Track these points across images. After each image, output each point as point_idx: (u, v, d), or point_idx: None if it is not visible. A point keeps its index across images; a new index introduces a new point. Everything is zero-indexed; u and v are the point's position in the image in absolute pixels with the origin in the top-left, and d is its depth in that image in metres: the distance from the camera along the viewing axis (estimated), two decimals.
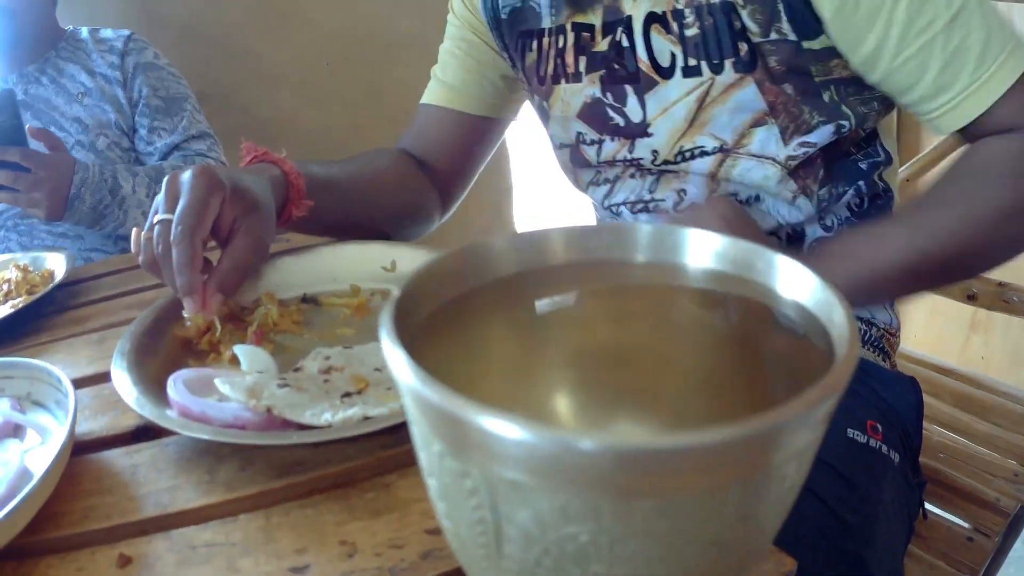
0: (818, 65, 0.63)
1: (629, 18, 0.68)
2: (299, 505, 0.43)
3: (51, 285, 0.78)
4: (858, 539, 0.61)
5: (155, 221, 0.56)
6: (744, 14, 0.62)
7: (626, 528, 0.19)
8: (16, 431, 0.51)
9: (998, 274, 0.87)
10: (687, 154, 0.68)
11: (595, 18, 0.70)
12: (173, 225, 0.54)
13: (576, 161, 0.78)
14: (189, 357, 0.58)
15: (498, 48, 0.81)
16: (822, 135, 0.64)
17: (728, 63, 0.64)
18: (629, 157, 0.72)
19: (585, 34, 0.71)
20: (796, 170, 0.66)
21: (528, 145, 1.87)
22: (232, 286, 0.57)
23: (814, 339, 0.24)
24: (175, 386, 0.49)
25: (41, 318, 0.76)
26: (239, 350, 0.54)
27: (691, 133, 0.68)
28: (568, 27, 0.72)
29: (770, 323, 0.27)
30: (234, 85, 1.62)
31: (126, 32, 1.27)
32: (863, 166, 0.69)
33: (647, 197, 0.74)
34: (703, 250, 0.28)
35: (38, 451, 0.49)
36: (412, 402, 0.21)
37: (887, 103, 0.67)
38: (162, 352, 0.57)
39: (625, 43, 0.68)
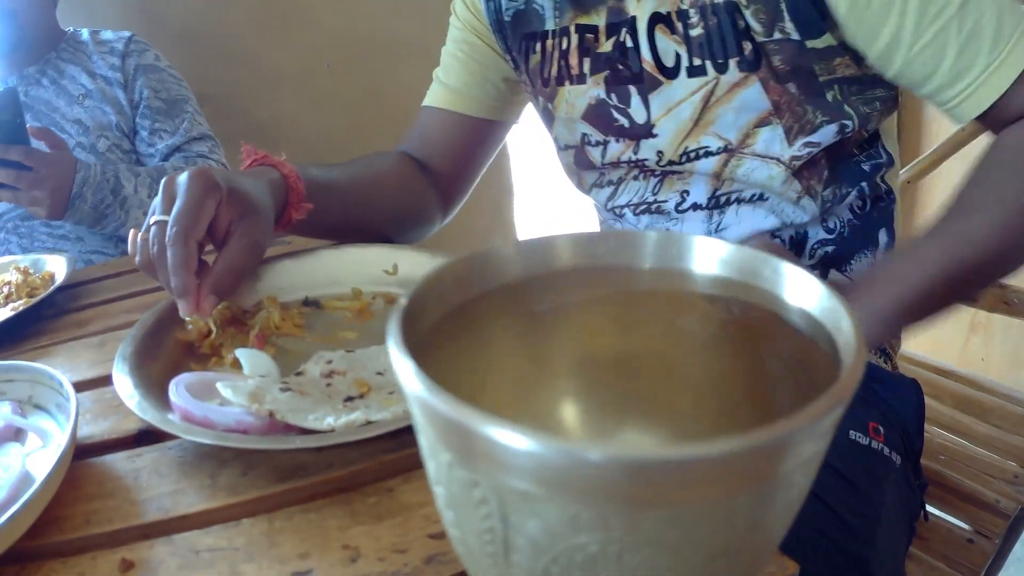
0: (821, 64, 0.63)
1: (633, 19, 0.68)
2: (302, 510, 0.43)
3: (52, 288, 0.78)
4: (860, 541, 0.61)
5: (151, 222, 0.56)
6: (748, 14, 0.62)
7: (635, 538, 0.19)
8: (17, 435, 0.51)
9: None
10: (692, 154, 0.69)
11: (599, 19, 0.70)
12: (168, 226, 0.55)
13: (580, 163, 0.78)
14: (191, 360, 0.58)
15: (501, 50, 0.81)
16: (826, 135, 0.64)
17: (733, 62, 0.64)
18: (634, 158, 0.72)
19: (589, 35, 0.71)
20: (800, 171, 0.67)
21: (528, 147, 1.87)
22: (227, 288, 0.57)
23: (820, 346, 0.24)
24: (177, 390, 0.49)
25: (42, 321, 0.76)
26: (241, 354, 0.54)
27: (696, 133, 0.68)
28: (572, 29, 0.72)
29: (776, 330, 0.27)
30: (234, 87, 1.62)
31: (127, 34, 1.27)
32: (866, 167, 0.69)
33: (650, 199, 0.74)
34: (709, 257, 0.28)
35: (39, 455, 0.49)
36: (420, 412, 0.21)
37: (889, 103, 0.67)
38: (163, 356, 0.57)
39: (629, 44, 0.68)
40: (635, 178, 0.75)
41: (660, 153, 0.70)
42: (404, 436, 0.46)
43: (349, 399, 0.48)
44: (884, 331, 0.62)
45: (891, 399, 0.71)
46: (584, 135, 0.75)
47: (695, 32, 0.65)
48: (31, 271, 0.84)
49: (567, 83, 0.74)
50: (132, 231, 0.59)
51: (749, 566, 0.23)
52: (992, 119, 0.59)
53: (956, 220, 0.59)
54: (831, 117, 0.64)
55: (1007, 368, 1.61)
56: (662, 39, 0.67)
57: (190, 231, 0.54)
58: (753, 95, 0.64)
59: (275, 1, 1.61)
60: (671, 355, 0.29)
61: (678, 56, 0.66)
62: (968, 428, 0.98)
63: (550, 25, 0.74)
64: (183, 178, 0.56)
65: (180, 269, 0.54)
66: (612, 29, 0.69)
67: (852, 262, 0.72)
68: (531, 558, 0.20)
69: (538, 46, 0.76)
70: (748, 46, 0.63)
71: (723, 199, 0.71)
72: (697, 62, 0.65)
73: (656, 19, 0.66)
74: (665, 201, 0.73)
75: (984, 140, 0.89)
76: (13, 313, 0.73)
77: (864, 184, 0.69)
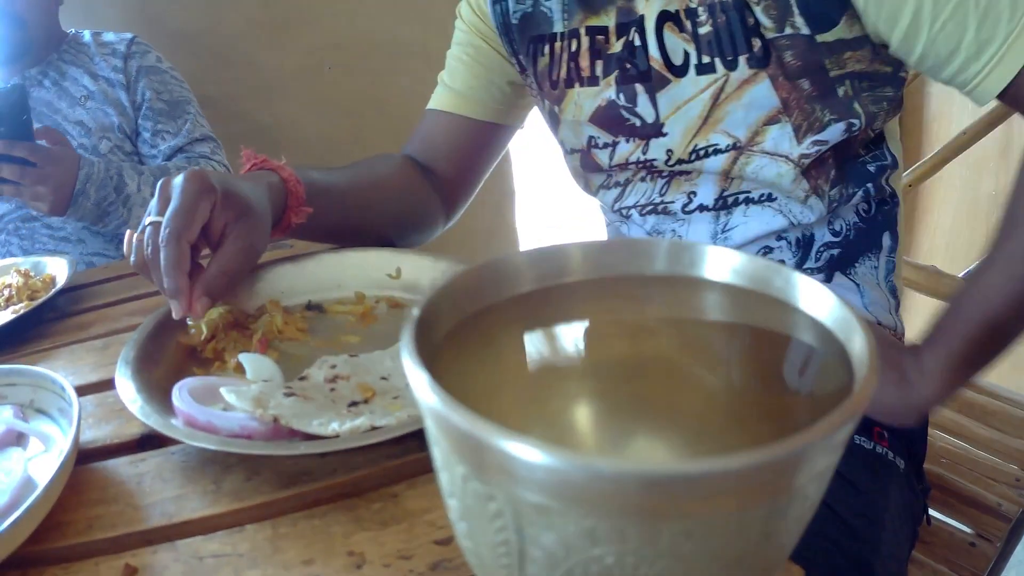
0: (832, 58, 0.63)
1: (642, 18, 0.68)
2: (306, 515, 0.43)
3: (53, 291, 0.78)
4: (864, 544, 0.61)
5: (146, 223, 0.57)
6: (758, 10, 0.62)
7: (652, 550, 0.19)
8: (19, 439, 0.51)
9: None
10: (701, 152, 0.68)
11: (608, 20, 0.70)
12: (162, 227, 0.55)
13: (587, 166, 0.78)
14: (193, 365, 0.57)
15: (507, 54, 0.81)
16: (833, 133, 0.64)
17: (742, 59, 0.64)
18: (643, 158, 0.72)
19: (599, 37, 0.71)
20: (809, 170, 0.66)
21: (530, 150, 1.88)
22: (220, 290, 0.57)
23: (830, 354, 0.24)
24: (180, 395, 0.48)
25: (43, 324, 0.75)
26: (244, 358, 0.54)
27: (705, 131, 0.68)
28: (582, 31, 0.72)
29: (786, 338, 0.26)
30: (234, 90, 1.62)
31: (129, 35, 1.26)
32: (871, 168, 0.69)
33: (657, 200, 0.74)
34: (720, 266, 0.27)
35: (41, 459, 0.49)
36: (435, 424, 0.21)
37: (895, 104, 0.67)
38: (166, 360, 0.57)
39: (637, 42, 0.68)
40: (642, 179, 0.75)
41: (670, 152, 0.70)
42: (409, 441, 0.46)
43: (353, 404, 0.48)
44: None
45: None
46: (591, 138, 0.75)
47: (703, 30, 0.65)
48: (32, 274, 0.83)
49: (576, 85, 0.74)
50: (128, 232, 0.59)
51: (761, 574, 0.23)
52: (1018, 96, 0.57)
53: (1013, 232, 0.56)
54: (839, 115, 0.64)
55: (1008, 371, 1.61)
56: (671, 37, 0.67)
57: (183, 232, 0.55)
58: (762, 92, 0.64)
59: (276, 4, 1.61)
60: (682, 364, 0.29)
61: (687, 54, 0.66)
62: (970, 431, 0.99)
63: (558, 27, 0.74)
64: (178, 180, 0.57)
65: (172, 270, 0.54)
66: (622, 29, 0.69)
67: (856, 265, 0.72)
68: (546, 570, 0.20)
69: (546, 48, 0.76)
70: (757, 43, 0.63)
71: (730, 200, 0.71)
72: (706, 60, 0.65)
73: (664, 17, 0.66)
74: (672, 202, 0.73)
75: (989, 143, 0.89)
76: (14, 316, 0.72)
77: (870, 185, 0.69)
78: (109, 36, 1.26)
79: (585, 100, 0.74)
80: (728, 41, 0.64)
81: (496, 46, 0.82)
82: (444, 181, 0.87)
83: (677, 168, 0.71)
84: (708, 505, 0.18)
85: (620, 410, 0.28)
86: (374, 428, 0.45)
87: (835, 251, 0.71)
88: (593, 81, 0.72)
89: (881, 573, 0.60)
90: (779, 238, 0.71)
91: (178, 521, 0.43)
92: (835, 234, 0.71)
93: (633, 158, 0.73)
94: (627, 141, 0.72)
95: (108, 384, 0.55)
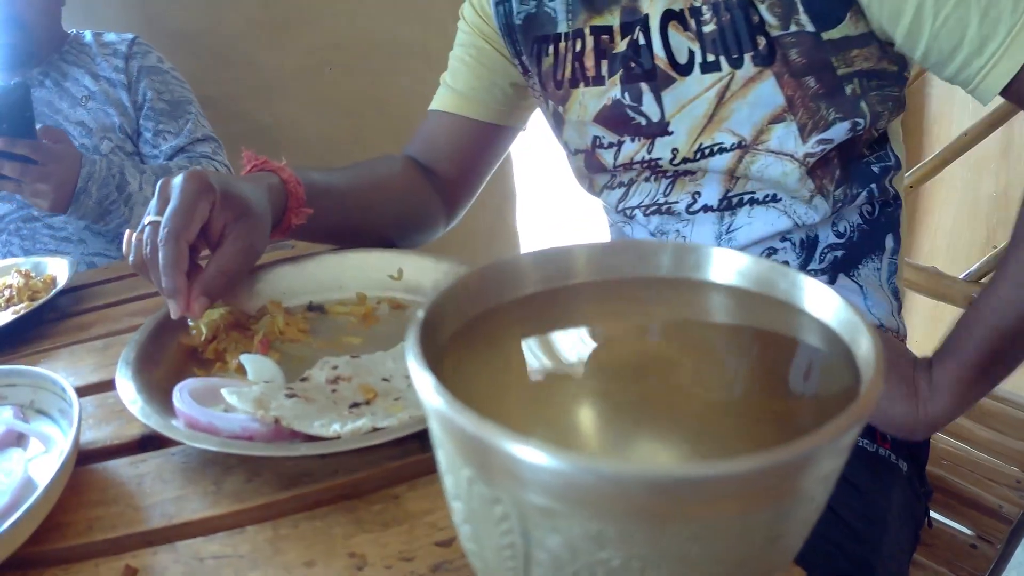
0: (838, 56, 0.62)
1: (646, 17, 0.68)
2: (307, 517, 0.43)
3: (53, 291, 0.78)
4: (866, 547, 0.61)
5: (146, 223, 0.57)
6: (763, 8, 0.62)
7: (658, 553, 0.19)
8: (19, 440, 0.51)
9: None
10: (706, 151, 0.68)
11: (613, 19, 0.70)
12: (160, 227, 0.55)
13: (591, 166, 0.78)
14: (194, 366, 0.57)
15: (509, 55, 0.81)
16: (838, 132, 0.64)
17: (747, 57, 0.64)
18: (648, 157, 0.72)
19: (604, 37, 0.71)
20: (814, 169, 0.66)
21: (531, 151, 1.87)
22: (218, 290, 0.57)
23: (836, 357, 0.24)
24: (181, 396, 0.48)
25: (44, 324, 0.75)
26: (245, 359, 0.54)
27: (710, 129, 0.68)
28: (586, 31, 0.72)
29: (791, 340, 0.26)
30: (235, 92, 1.62)
31: (130, 36, 1.27)
32: (875, 169, 0.69)
33: (661, 200, 0.74)
34: (726, 268, 0.27)
35: (41, 460, 0.49)
36: (440, 427, 0.21)
37: (899, 103, 0.66)
38: (167, 360, 0.57)
39: (642, 41, 0.68)
40: (646, 180, 0.75)
41: (675, 151, 0.70)
42: (410, 443, 0.46)
43: (355, 405, 0.48)
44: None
45: None
46: (596, 138, 0.75)
47: (708, 28, 0.65)
48: (32, 274, 0.83)
49: (581, 85, 0.74)
50: (127, 232, 0.59)
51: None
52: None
53: (1013, 255, 0.56)
54: (845, 114, 0.64)
55: None
56: (675, 36, 0.67)
57: (181, 231, 0.55)
58: (767, 90, 0.64)
59: (276, 4, 1.61)
60: (686, 366, 0.29)
61: (691, 53, 0.66)
62: (971, 433, 0.98)
63: (563, 28, 0.74)
64: (178, 180, 0.57)
65: (171, 269, 0.54)
66: (626, 28, 0.69)
67: (860, 267, 0.72)
68: (552, 573, 0.20)
69: (551, 49, 0.76)
70: (762, 41, 0.63)
71: (735, 200, 0.71)
72: (711, 58, 0.65)
73: (669, 16, 0.66)
74: (676, 202, 0.73)
75: (990, 144, 0.89)
76: (15, 317, 0.72)
77: (874, 186, 0.69)
78: (110, 36, 1.26)
79: (590, 100, 0.73)
80: (733, 39, 0.64)
81: (499, 47, 0.82)
82: (446, 182, 0.87)
83: (682, 167, 0.71)
84: (714, 508, 0.18)
85: (624, 413, 0.28)
86: (375, 429, 0.45)
87: (839, 253, 0.71)
88: (599, 81, 0.72)
89: (882, 575, 0.60)
90: (783, 239, 0.71)
91: (178, 522, 0.43)
92: (839, 235, 0.71)
93: (638, 157, 0.73)
94: (632, 140, 0.72)
95: (109, 385, 0.55)
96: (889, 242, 0.72)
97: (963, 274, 0.99)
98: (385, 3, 1.66)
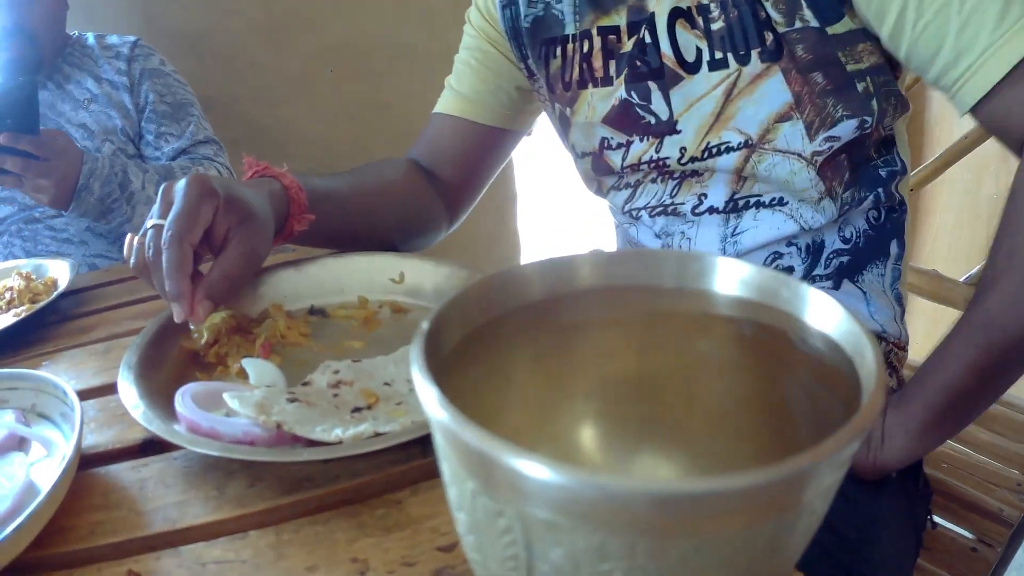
0: (845, 51, 0.62)
1: (653, 15, 0.68)
2: (309, 522, 0.43)
3: (55, 294, 0.78)
4: (858, 555, 0.61)
5: (148, 226, 0.56)
6: (768, 5, 0.62)
7: (661, 565, 0.19)
8: (21, 444, 0.51)
9: None
10: (713, 150, 0.68)
11: (620, 19, 0.71)
12: (164, 230, 0.55)
13: (598, 169, 0.78)
14: (196, 369, 0.57)
15: (515, 59, 0.81)
16: (846, 129, 0.64)
17: (755, 53, 0.64)
18: (656, 157, 0.72)
19: (611, 37, 0.71)
20: (824, 170, 0.66)
21: (533, 153, 1.88)
22: (222, 294, 0.57)
23: (839, 369, 0.24)
24: (183, 401, 0.48)
25: (45, 327, 0.75)
26: (247, 364, 0.54)
27: (717, 128, 0.68)
28: (594, 32, 0.72)
29: (795, 352, 0.26)
30: (236, 94, 1.62)
31: (132, 38, 1.27)
32: (882, 173, 0.69)
33: (667, 201, 0.74)
34: (729, 278, 0.27)
35: (43, 464, 0.49)
36: (444, 440, 0.21)
37: (901, 99, 0.66)
38: (168, 364, 0.57)
39: (648, 40, 0.68)
40: (653, 181, 0.75)
41: (683, 150, 0.70)
42: (412, 448, 0.46)
43: (356, 410, 0.48)
44: (916, 444, 0.59)
45: None
46: (604, 139, 0.75)
47: (716, 26, 0.65)
48: (33, 276, 0.83)
49: (590, 86, 0.74)
50: (129, 235, 0.59)
51: None
52: (1000, 118, 0.57)
53: (979, 298, 0.56)
54: (853, 111, 0.64)
55: None
56: (683, 34, 0.67)
57: (185, 234, 0.54)
58: (774, 86, 0.64)
59: (277, 7, 1.61)
60: (690, 376, 0.29)
61: (699, 51, 0.66)
62: (971, 436, 0.98)
63: (570, 29, 0.75)
64: (181, 184, 0.57)
65: (174, 272, 0.54)
66: (633, 28, 0.69)
67: (864, 272, 0.72)
68: None
69: (558, 51, 0.76)
70: (770, 36, 0.63)
71: (741, 203, 0.71)
72: (719, 55, 0.65)
73: (676, 14, 0.67)
74: (682, 203, 0.73)
75: (990, 147, 0.89)
76: (16, 319, 0.72)
77: (880, 190, 0.69)
78: (112, 39, 1.26)
79: (599, 101, 0.74)
80: (740, 36, 0.64)
81: (504, 51, 0.82)
82: (448, 185, 0.87)
83: (690, 167, 0.71)
84: (717, 522, 0.18)
85: (628, 424, 0.28)
86: (377, 434, 0.45)
87: (844, 258, 0.71)
88: (607, 81, 0.73)
89: None
90: (789, 244, 0.71)
91: (181, 527, 0.43)
92: (845, 241, 0.71)
93: (646, 157, 0.73)
94: (641, 140, 0.72)
95: (110, 389, 0.55)
96: (894, 248, 0.72)
97: (964, 277, 0.99)
98: (387, 6, 1.67)
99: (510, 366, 0.28)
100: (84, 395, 0.56)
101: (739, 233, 0.72)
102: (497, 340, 0.27)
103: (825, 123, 0.64)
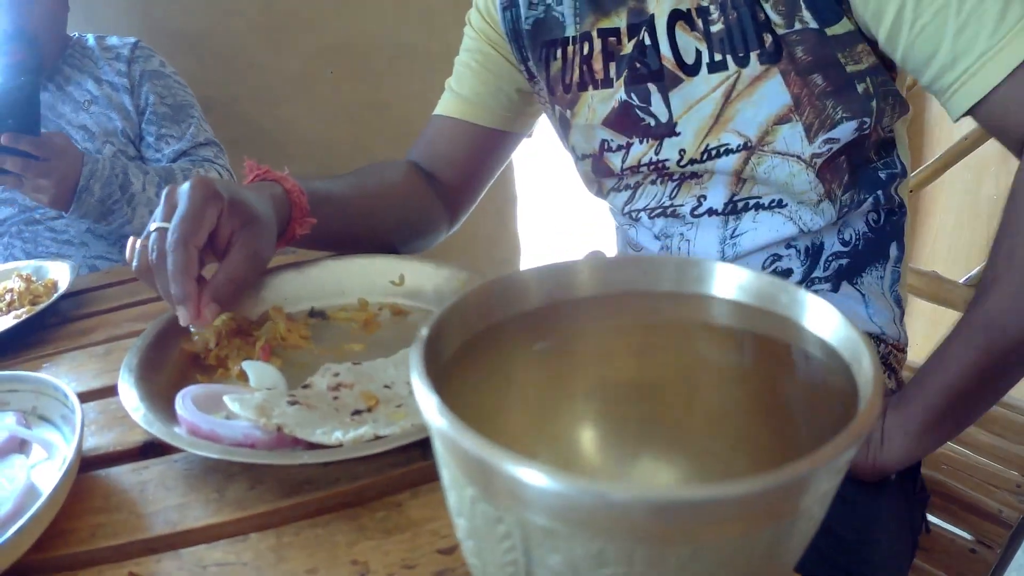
0: (845, 52, 0.62)
1: (652, 17, 0.68)
2: (310, 524, 0.43)
3: (55, 296, 0.78)
4: (855, 557, 0.61)
5: (151, 229, 0.56)
6: (767, 7, 0.62)
7: (659, 571, 0.19)
8: (22, 446, 0.51)
9: None
10: (712, 152, 0.69)
11: (620, 21, 0.71)
12: (169, 233, 0.54)
13: (598, 171, 0.78)
14: (196, 372, 0.57)
15: (516, 61, 0.82)
16: (845, 131, 0.64)
17: (754, 55, 0.64)
18: (655, 159, 0.72)
19: (612, 39, 0.71)
20: (824, 173, 0.66)
21: (533, 154, 1.88)
22: (228, 297, 0.57)
23: (837, 374, 0.24)
24: (184, 403, 0.48)
25: (45, 329, 0.75)
26: (247, 366, 0.54)
27: (716, 130, 0.68)
28: (594, 34, 0.73)
29: (791, 357, 0.27)
30: (236, 94, 1.62)
31: (132, 40, 1.27)
32: (882, 175, 0.69)
33: (667, 203, 0.74)
34: (727, 283, 0.28)
35: (44, 467, 0.49)
36: (443, 447, 0.21)
37: (900, 99, 0.66)
38: (169, 366, 0.57)
39: (648, 42, 0.68)
40: (652, 183, 0.75)
41: (682, 152, 0.70)
42: (412, 450, 0.46)
43: (357, 412, 0.48)
44: (915, 446, 0.59)
45: None
46: (604, 141, 0.75)
47: (715, 27, 0.65)
48: (33, 278, 0.83)
49: (590, 88, 0.74)
50: (131, 238, 0.59)
51: None
52: (998, 119, 0.57)
53: (979, 299, 0.56)
54: (853, 113, 0.64)
55: None
56: (682, 36, 0.67)
57: (191, 237, 0.54)
58: (773, 88, 0.64)
59: (277, 8, 1.61)
60: (689, 381, 0.29)
61: (698, 52, 0.66)
62: (970, 437, 0.98)
63: (570, 31, 0.75)
64: (184, 187, 0.56)
65: (180, 275, 0.54)
66: (633, 30, 0.70)
67: (863, 275, 0.72)
68: None
69: (559, 53, 0.76)
70: (769, 38, 0.63)
71: (740, 205, 0.71)
72: (718, 57, 0.65)
73: (676, 16, 0.67)
74: (681, 205, 0.73)
75: (990, 147, 0.89)
76: (16, 321, 0.73)
77: (880, 193, 0.69)
78: (113, 40, 1.27)
79: (599, 103, 0.74)
80: (740, 37, 0.64)
81: (505, 53, 0.82)
82: (448, 187, 0.87)
83: (689, 169, 0.71)
84: (715, 529, 0.18)
85: (627, 429, 0.28)
86: (377, 437, 0.45)
87: (843, 261, 0.71)
88: (607, 83, 0.73)
89: None
90: (788, 246, 0.71)
91: (181, 529, 0.43)
92: (844, 243, 0.71)
93: (646, 159, 0.73)
94: (641, 142, 0.73)
95: (111, 391, 0.55)
96: (893, 250, 0.72)
97: (964, 278, 0.99)
98: (387, 6, 1.67)
99: (510, 371, 0.28)
100: (85, 397, 0.56)
101: (738, 235, 0.72)
102: (497, 345, 0.27)
103: (824, 125, 0.64)
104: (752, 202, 0.70)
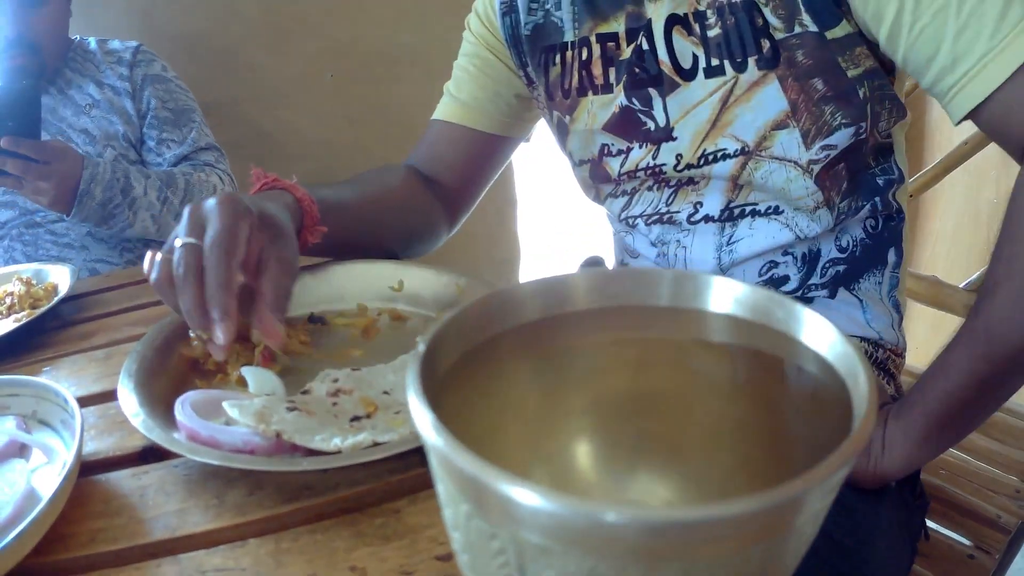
0: (844, 55, 0.62)
1: (650, 22, 0.68)
2: (309, 530, 0.43)
3: (55, 299, 0.78)
4: (854, 563, 0.61)
5: (178, 244, 0.53)
6: (767, 11, 0.62)
7: None
8: (22, 451, 0.51)
9: None
10: (709, 157, 0.68)
11: (618, 26, 0.71)
12: (207, 249, 0.51)
13: (596, 176, 0.78)
14: (195, 377, 0.58)
15: (515, 66, 0.82)
16: (842, 137, 0.64)
17: (751, 60, 0.64)
18: (652, 163, 0.72)
19: (610, 44, 0.71)
20: (823, 179, 0.66)
21: (533, 156, 1.88)
22: (284, 311, 0.55)
23: (830, 390, 0.24)
24: (183, 409, 0.49)
25: (45, 333, 0.75)
26: (247, 372, 0.54)
27: (713, 135, 0.68)
28: (593, 39, 0.73)
29: (787, 372, 0.27)
30: (236, 98, 1.62)
31: (134, 43, 1.27)
32: (880, 182, 0.69)
33: (663, 209, 0.75)
34: (724, 297, 0.28)
35: (44, 471, 0.49)
36: (439, 464, 0.21)
37: (898, 102, 0.66)
38: (168, 372, 0.57)
39: (646, 47, 0.68)
40: (649, 188, 0.75)
41: (679, 156, 0.70)
42: (411, 457, 0.46)
43: (355, 419, 0.48)
44: (916, 453, 0.60)
45: None
46: (604, 145, 0.75)
47: (712, 32, 0.65)
48: (34, 282, 0.83)
49: (590, 93, 0.74)
50: (149, 252, 0.57)
51: None
52: (999, 122, 0.56)
53: (980, 306, 0.56)
54: (851, 119, 0.64)
55: None
56: (679, 41, 0.67)
57: (232, 253, 0.51)
58: (771, 94, 0.64)
59: (277, 12, 1.61)
60: (684, 396, 0.29)
61: (695, 57, 0.66)
62: (969, 442, 0.98)
63: (569, 37, 0.75)
64: (211, 203, 0.54)
65: (223, 292, 0.50)
66: (631, 35, 0.70)
67: (861, 280, 0.72)
68: None
69: (558, 58, 0.76)
70: (766, 44, 0.63)
71: (736, 211, 0.71)
72: (715, 62, 0.65)
73: (673, 21, 0.67)
74: (678, 212, 0.73)
75: (991, 151, 0.89)
76: (16, 325, 0.73)
77: (877, 199, 0.69)
78: (114, 44, 1.27)
79: (599, 108, 0.74)
80: (737, 43, 0.64)
81: (504, 58, 0.82)
82: (448, 191, 0.87)
83: (686, 174, 0.71)
84: (708, 548, 0.18)
85: (621, 442, 0.28)
86: (376, 444, 0.45)
87: (841, 267, 0.71)
88: (607, 89, 0.73)
89: None
90: (785, 253, 0.71)
91: (181, 535, 0.43)
92: (841, 250, 0.71)
93: (643, 164, 0.73)
94: (640, 147, 0.73)
95: (110, 395, 0.55)
96: (891, 256, 0.72)
97: (964, 282, 0.99)
98: (387, 11, 1.67)
99: (507, 384, 0.29)
100: (84, 402, 0.56)
101: (734, 242, 0.72)
102: (494, 359, 0.27)
103: (822, 131, 0.64)
104: (748, 209, 0.70)
